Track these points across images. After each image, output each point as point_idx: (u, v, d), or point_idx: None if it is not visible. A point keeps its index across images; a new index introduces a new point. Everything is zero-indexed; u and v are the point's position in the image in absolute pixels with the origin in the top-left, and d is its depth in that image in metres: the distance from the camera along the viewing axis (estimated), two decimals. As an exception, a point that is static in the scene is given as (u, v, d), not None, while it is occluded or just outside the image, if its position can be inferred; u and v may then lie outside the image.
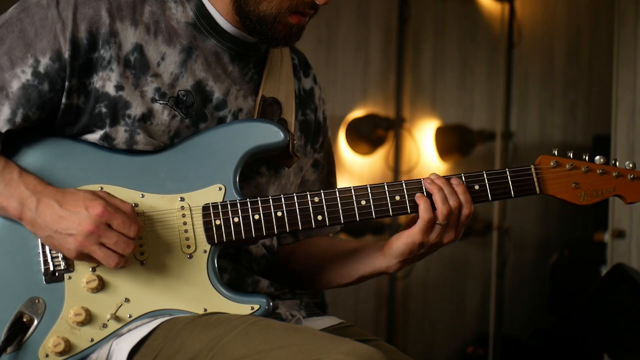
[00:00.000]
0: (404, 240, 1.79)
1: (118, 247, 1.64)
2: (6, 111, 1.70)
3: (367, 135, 4.89)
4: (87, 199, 1.65)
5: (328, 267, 1.94)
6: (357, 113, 4.91)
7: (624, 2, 4.28)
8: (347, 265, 1.91)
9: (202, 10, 1.79)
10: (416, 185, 1.78)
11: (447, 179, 1.78)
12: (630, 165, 1.81)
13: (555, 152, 1.81)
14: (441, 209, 1.74)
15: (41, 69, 1.70)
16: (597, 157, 1.80)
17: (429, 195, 1.76)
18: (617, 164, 1.80)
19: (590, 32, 5.54)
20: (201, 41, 1.79)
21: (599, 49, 5.42)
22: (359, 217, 1.76)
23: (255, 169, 1.84)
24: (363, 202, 1.76)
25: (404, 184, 1.77)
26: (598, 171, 1.80)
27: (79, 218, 1.63)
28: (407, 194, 1.77)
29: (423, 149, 5.11)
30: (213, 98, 1.79)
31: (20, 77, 1.70)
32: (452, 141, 5.14)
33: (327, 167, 2.04)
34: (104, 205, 1.64)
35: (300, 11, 1.76)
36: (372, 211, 1.76)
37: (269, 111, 1.85)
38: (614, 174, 1.80)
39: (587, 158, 1.81)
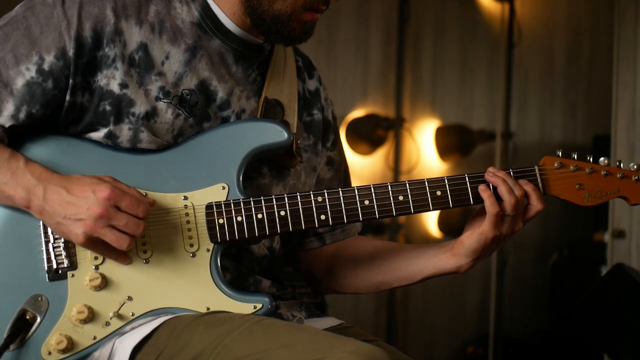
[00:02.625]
0: (476, 237, 1.79)
1: (129, 227, 1.63)
2: (10, 107, 1.70)
3: (367, 135, 4.89)
4: (93, 183, 1.64)
5: (387, 268, 1.93)
6: (357, 113, 4.92)
7: (624, 3, 4.29)
8: (410, 266, 1.90)
9: (207, 10, 1.79)
10: (420, 185, 1.78)
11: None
12: (635, 166, 1.80)
13: (560, 153, 1.80)
14: (508, 200, 1.75)
15: (45, 66, 1.70)
16: (602, 159, 1.80)
17: (493, 189, 1.77)
18: (622, 165, 1.80)
19: (590, 32, 5.55)
20: (206, 41, 1.79)
21: (599, 49, 5.42)
22: (362, 216, 1.76)
23: (258, 170, 1.84)
24: (366, 202, 1.76)
25: (407, 184, 1.77)
26: (602, 172, 1.79)
27: (87, 202, 1.63)
28: (411, 194, 1.77)
29: (423, 149, 5.12)
30: (217, 98, 1.80)
31: (25, 75, 1.70)
32: (452, 141, 5.14)
33: (344, 166, 2.04)
34: (111, 188, 1.63)
35: (314, 8, 1.77)
36: (375, 211, 1.76)
37: (272, 113, 1.85)
38: (618, 175, 1.79)
39: (591, 159, 1.80)
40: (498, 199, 1.77)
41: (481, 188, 1.77)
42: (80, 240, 1.64)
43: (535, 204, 1.78)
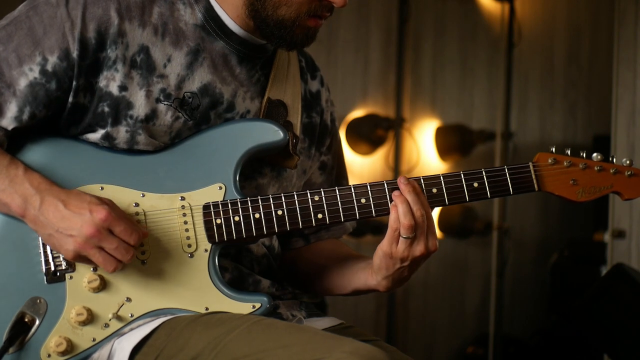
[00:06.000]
0: (378, 253, 1.76)
1: (117, 253, 1.64)
2: (13, 109, 1.70)
3: (367, 135, 4.89)
4: (92, 203, 1.65)
5: (328, 274, 1.92)
6: (357, 113, 4.91)
7: (624, 2, 4.28)
8: (345, 276, 1.88)
9: (210, 12, 1.79)
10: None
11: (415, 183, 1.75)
12: (628, 162, 1.81)
13: (553, 150, 1.81)
14: (402, 221, 1.71)
15: (49, 67, 1.70)
16: (595, 154, 1.81)
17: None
18: (615, 160, 1.81)
19: (590, 32, 5.54)
20: (209, 43, 1.79)
21: (599, 49, 5.42)
22: (359, 215, 1.76)
23: (258, 170, 1.85)
24: (363, 200, 1.76)
25: (403, 182, 1.77)
26: (596, 168, 1.80)
27: (81, 220, 1.63)
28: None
29: (423, 149, 5.12)
30: (223, 100, 1.80)
31: (28, 75, 1.70)
32: (452, 141, 5.14)
33: (337, 169, 2.03)
34: (108, 211, 1.64)
35: (318, 14, 1.77)
36: (372, 209, 1.76)
37: (275, 113, 1.85)
38: (611, 171, 1.80)
39: (584, 155, 1.81)
40: None
41: (392, 205, 1.73)
42: (69, 255, 1.65)
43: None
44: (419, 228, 1.73)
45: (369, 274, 1.82)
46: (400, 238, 1.73)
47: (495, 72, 5.34)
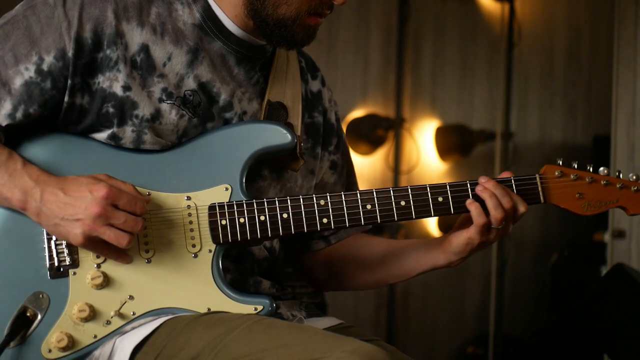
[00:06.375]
0: (463, 240, 1.80)
1: (127, 225, 1.64)
2: (7, 106, 1.70)
3: (367, 135, 4.89)
4: (89, 183, 1.65)
5: (383, 266, 1.94)
6: (357, 113, 4.92)
7: (624, 2, 4.29)
8: (405, 264, 1.92)
9: (208, 12, 1.79)
10: (422, 191, 1.78)
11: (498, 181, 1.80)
12: (634, 177, 1.83)
13: (560, 162, 1.82)
14: (494, 215, 1.76)
15: (45, 66, 1.70)
16: (602, 168, 1.82)
17: (480, 200, 1.77)
18: (621, 175, 1.82)
19: (590, 32, 5.55)
20: (207, 43, 1.79)
21: (599, 49, 5.43)
22: (364, 221, 1.76)
23: (258, 172, 1.84)
24: (368, 207, 1.76)
25: (409, 190, 1.78)
26: (602, 182, 1.81)
27: (84, 202, 1.63)
28: (412, 199, 1.77)
29: (423, 149, 5.12)
30: (220, 99, 1.80)
31: (24, 74, 1.70)
32: (452, 141, 5.14)
33: (346, 167, 2.04)
34: (108, 187, 1.64)
35: (319, 12, 1.77)
36: (377, 215, 1.76)
37: (275, 115, 1.85)
38: (617, 186, 1.82)
39: (591, 169, 1.83)
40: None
41: (468, 202, 1.77)
42: (79, 240, 1.64)
43: (521, 210, 1.80)
44: (509, 217, 1.78)
45: (437, 255, 1.86)
46: (492, 228, 1.78)
47: (495, 72, 5.34)
